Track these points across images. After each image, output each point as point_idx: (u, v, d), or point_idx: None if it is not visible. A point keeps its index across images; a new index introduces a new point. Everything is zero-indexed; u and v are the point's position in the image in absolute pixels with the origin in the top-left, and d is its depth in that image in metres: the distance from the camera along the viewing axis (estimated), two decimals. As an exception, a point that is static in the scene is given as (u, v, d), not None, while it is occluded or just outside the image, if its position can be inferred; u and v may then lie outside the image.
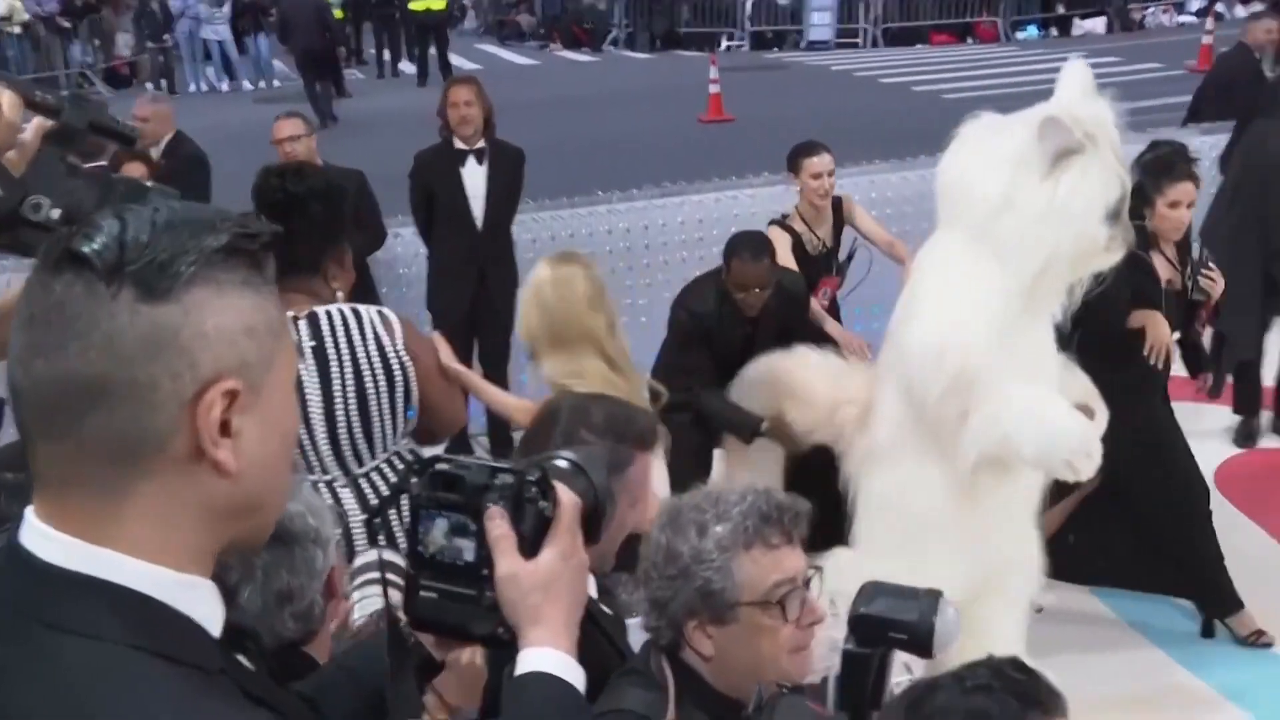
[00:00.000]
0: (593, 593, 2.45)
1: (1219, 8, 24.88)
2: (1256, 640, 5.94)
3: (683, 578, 2.39)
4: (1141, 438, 5.66)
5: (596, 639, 2.28)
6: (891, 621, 2.29)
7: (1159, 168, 5.70)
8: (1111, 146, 4.81)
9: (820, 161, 6.75)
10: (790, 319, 6.05)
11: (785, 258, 6.54)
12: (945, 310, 4.83)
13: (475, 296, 7.46)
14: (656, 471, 3.39)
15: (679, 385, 5.38)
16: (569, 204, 8.78)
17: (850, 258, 7.23)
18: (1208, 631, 6.08)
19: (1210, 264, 5.89)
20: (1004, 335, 4.76)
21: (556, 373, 4.37)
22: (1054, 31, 26.82)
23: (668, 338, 6.10)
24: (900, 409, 4.96)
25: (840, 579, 2.61)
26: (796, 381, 5.46)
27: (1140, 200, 5.41)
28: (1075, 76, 5.12)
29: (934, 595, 2.34)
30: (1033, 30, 26.73)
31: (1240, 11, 23.19)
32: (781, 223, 6.94)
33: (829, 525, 4.65)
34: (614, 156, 14.92)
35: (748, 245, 5.92)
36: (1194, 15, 26.31)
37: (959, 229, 4.93)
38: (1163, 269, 5.69)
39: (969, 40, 26.12)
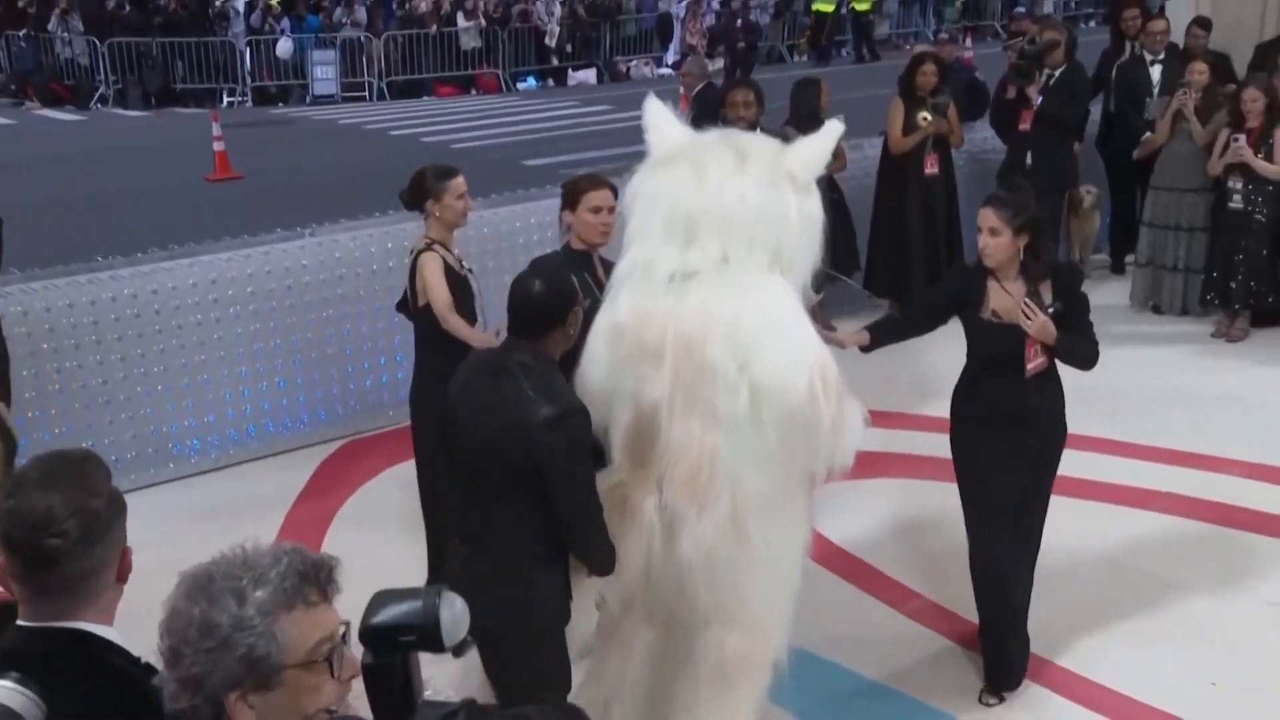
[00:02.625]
0: None
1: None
2: None
3: (223, 649, 2.23)
4: None
5: None
6: (399, 626, 2.24)
7: None
8: None
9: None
10: None
11: (437, 279, 6.28)
12: (801, 335, 4.79)
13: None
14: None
15: None
16: (65, 271, 8.12)
17: None
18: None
19: None
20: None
21: None
22: (551, 82, 27.25)
23: None
24: (767, 453, 4.71)
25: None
26: None
27: None
28: (661, 110, 5.34)
29: (436, 590, 2.28)
30: (532, 81, 27.10)
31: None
32: (429, 247, 6.43)
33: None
34: (114, 219, 14.11)
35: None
36: (671, 67, 27.19)
37: (750, 252, 4.84)
38: None
39: (473, 92, 26.20)
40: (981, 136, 11.54)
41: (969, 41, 25.92)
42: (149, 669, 2.58)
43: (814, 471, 4.90)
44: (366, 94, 25.71)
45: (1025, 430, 5.70)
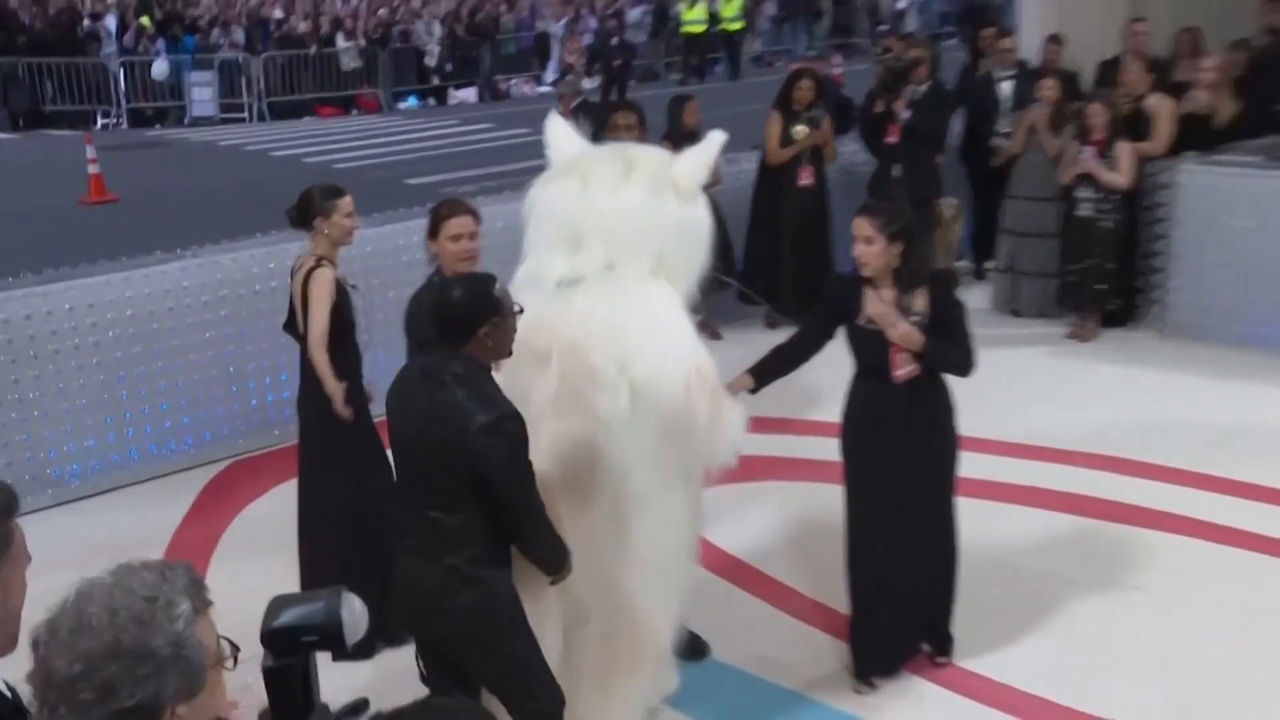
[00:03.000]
0: None
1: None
2: None
3: (166, 668, 2.17)
4: None
5: None
6: (300, 628, 2.24)
7: None
8: None
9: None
10: None
11: (322, 306, 6.22)
12: (680, 336, 4.97)
13: None
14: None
15: None
16: (-70, 299, 7.96)
17: None
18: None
19: None
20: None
21: None
22: (431, 101, 27.17)
23: None
24: (646, 451, 4.83)
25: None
26: None
27: None
28: (563, 127, 5.56)
29: (335, 592, 2.30)
30: (413, 101, 27.00)
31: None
32: (319, 264, 6.37)
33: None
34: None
35: None
36: (550, 85, 27.24)
37: (634, 257, 5.03)
38: None
39: (354, 112, 26.06)
40: (850, 149, 11.75)
41: (838, 59, 26.28)
42: (18, 708, 2.50)
43: (695, 469, 5.03)
44: (246, 115, 25.47)
45: (900, 435, 5.73)
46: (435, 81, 27.45)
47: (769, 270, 10.87)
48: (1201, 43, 11.73)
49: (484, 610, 4.54)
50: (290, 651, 2.23)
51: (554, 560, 4.67)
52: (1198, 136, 10.68)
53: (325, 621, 2.24)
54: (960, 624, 6.14)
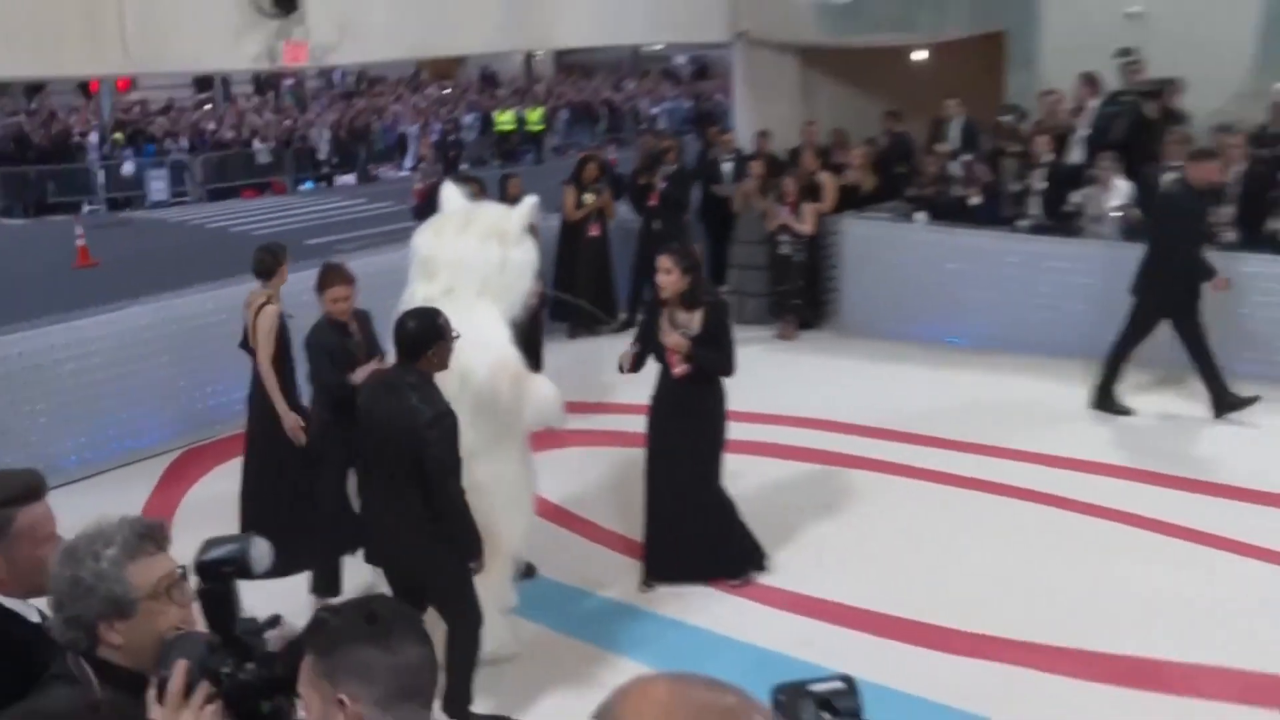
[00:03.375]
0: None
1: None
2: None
3: (89, 594, 2.17)
4: None
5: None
6: (221, 560, 2.12)
7: None
8: None
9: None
10: None
11: (269, 334, 6.24)
12: (491, 338, 4.99)
13: None
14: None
15: None
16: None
17: None
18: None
19: None
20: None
21: None
22: (324, 185, 26.47)
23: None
24: (469, 418, 4.73)
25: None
26: None
27: None
28: (453, 191, 5.56)
29: (248, 535, 2.21)
30: (310, 184, 26.29)
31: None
32: (269, 301, 6.44)
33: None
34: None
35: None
36: (408, 170, 26.81)
37: (465, 286, 5.07)
38: None
39: (268, 193, 25.29)
40: (623, 211, 11.76)
41: (612, 148, 26.42)
42: (40, 631, 2.49)
43: (511, 430, 5.05)
44: (190, 198, 24.54)
45: (682, 414, 5.82)
46: (326, 170, 26.81)
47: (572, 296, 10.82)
48: (848, 138, 12.16)
49: (434, 570, 4.60)
50: (214, 579, 2.12)
51: (467, 545, 4.61)
52: (853, 200, 11.02)
53: (238, 556, 2.14)
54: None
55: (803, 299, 10.66)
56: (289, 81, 33.77)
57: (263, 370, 6.22)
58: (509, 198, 9.95)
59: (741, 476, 6.47)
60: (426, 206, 9.37)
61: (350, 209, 21.96)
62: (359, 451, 4.86)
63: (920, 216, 10.36)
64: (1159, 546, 6.34)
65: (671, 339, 5.68)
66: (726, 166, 11.78)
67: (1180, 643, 5.35)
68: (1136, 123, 9.99)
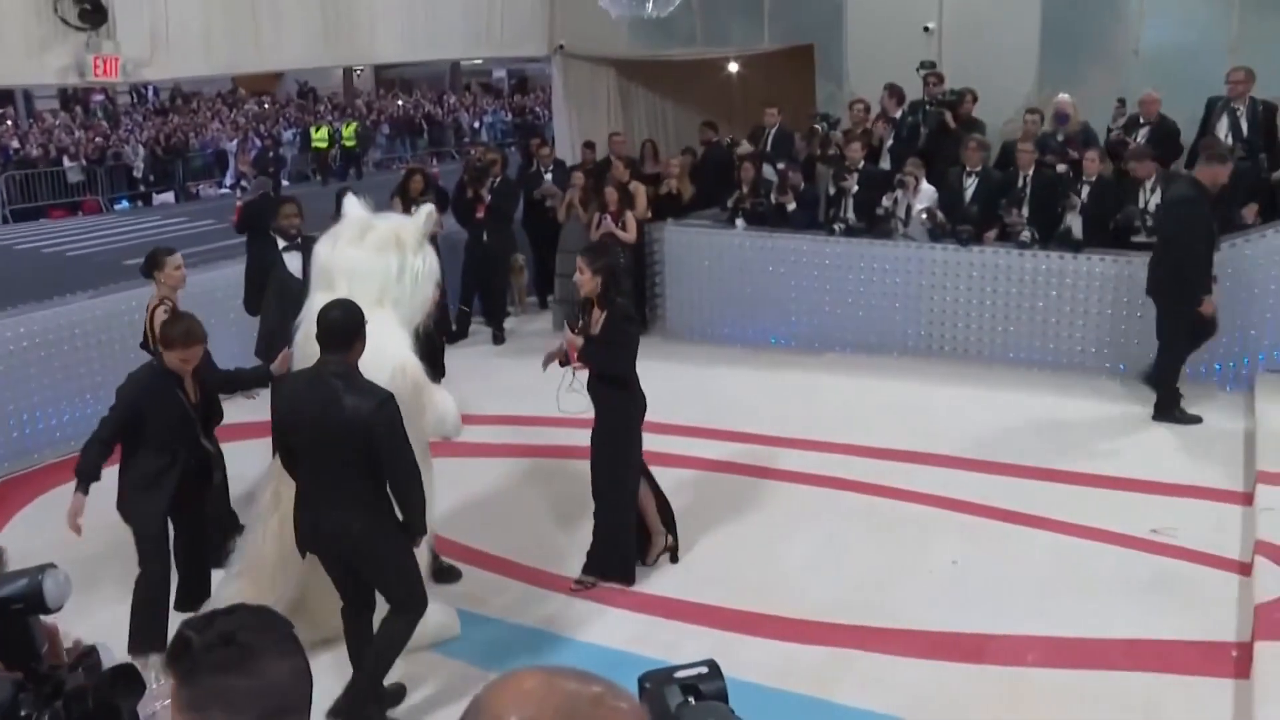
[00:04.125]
0: None
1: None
2: None
3: None
4: None
5: None
6: (9, 598, 1.99)
7: None
8: None
9: (175, 258, 6.47)
10: None
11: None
12: (390, 345, 4.97)
13: None
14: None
15: None
16: None
17: None
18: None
19: None
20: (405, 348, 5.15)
21: None
22: (140, 203, 25.38)
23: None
24: None
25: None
26: None
27: None
28: (353, 201, 5.55)
29: (41, 567, 2.08)
30: (125, 203, 25.17)
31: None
32: (161, 303, 6.42)
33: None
34: None
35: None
36: (228, 187, 26.05)
37: (363, 293, 4.94)
38: None
39: (79, 214, 24.10)
40: (451, 224, 11.64)
41: (434, 162, 26.18)
42: None
43: (413, 434, 4.84)
44: (-9, 219, 23.19)
45: (598, 409, 5.88)
46: (142, 188, 25.71)
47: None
48: (658, 149, 12.43)
49: (377, 542, 4.57)
50: (6, 616, 2.00)
51: (418, 522, 4.62)
52: (672, 209, 11.15)
53: (29, 591, 2.02)
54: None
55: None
56: (98, 97, 32.32)
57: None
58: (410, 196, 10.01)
59: (560, 477, 6.44)
60: (247, 223, 9.15)
61: (170, 227, 21.15)
62: (285, 448, 4.74)
63: (739, 223, 10.59)
64: (971, 526, 6.64)
65: (568, 335, 5.75)
66: (547, 178, 11.77)
67: (993, 616, 5.62)
68: (937, 130, 10.47)
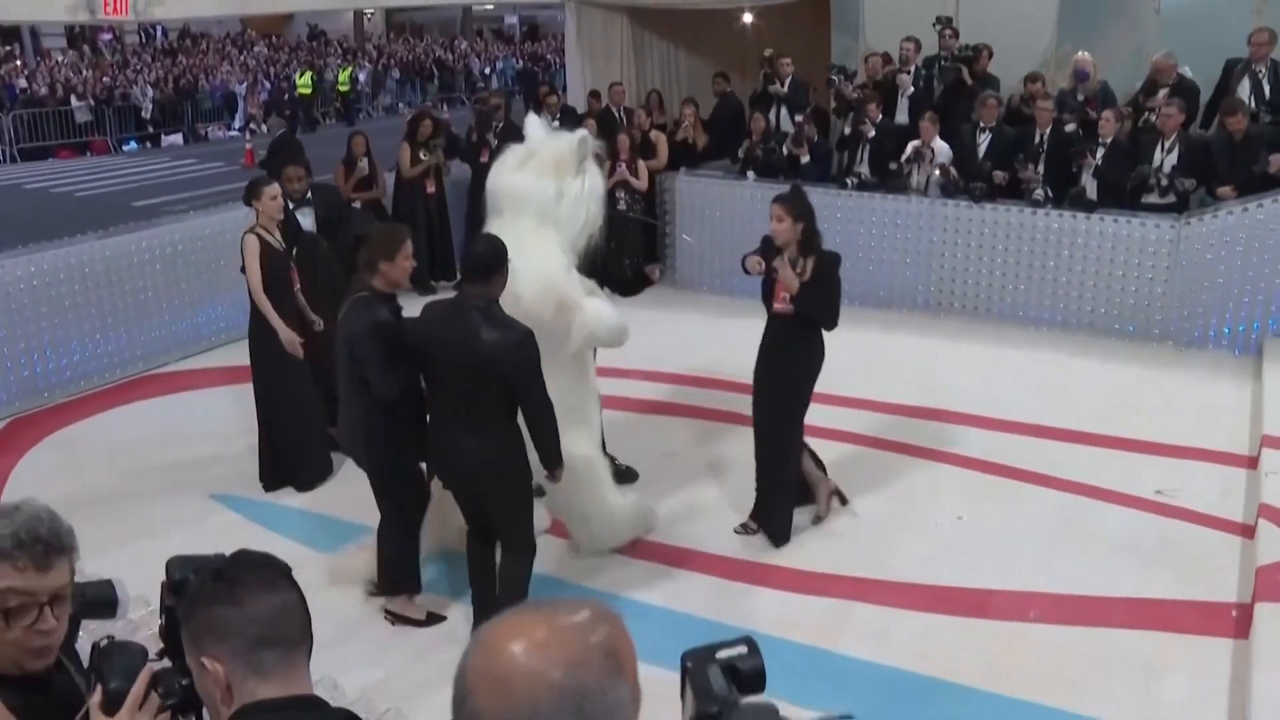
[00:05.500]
0: None
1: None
2: None
3: None
4: None
5: None
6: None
7: None
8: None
9: (272, 188, 6.48)
10: None
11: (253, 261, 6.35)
12: (540, 264, 5.09)
13: None
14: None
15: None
16: None
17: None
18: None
19: None
20: (568, 272, 5.29)
21: None
22: (149, 145, 25.30)
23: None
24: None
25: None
26: None
27: None
28: (535, 122, 5.70)
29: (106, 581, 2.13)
30: (134, 144, 25.06)
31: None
32: (252, 230, 6.45)
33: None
34: None
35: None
36: (237, 130, 25.94)
37: (525, 217, 5.20)
38: None
39: (88, 154, 24.00)
40: (458, 168, 11.61)
41: (445, 107, 26.02)
42: None
43: (561, 351, 5.15)
44: (1, 158, 23.13)
45: (778, 354, 5.77)
46: (150, 129, 25.60)
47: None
48: (664, 100, 12.33)
49: (504, 463, 4.68)
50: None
51: (553, 454, 4.77)
52: (685, 158, 11.09)
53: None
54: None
55: (640, 254, 10.71)
56: (106, 36, 32.15)
57: (254, 296, 6.37)
58: (353, 157, 9.92)
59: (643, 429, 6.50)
60: (267, 165, 9.13)
61: (180, 169, 21.12)
62: (427, 376, 4.82)
63: (750, 174, 10.53)
64: (977, 483, 6.67)
65: (785, 272, 5.56)
66: (554, 126, 11.68)
67: (996, 572, 5.65)
68: (952, 87, 10.38)
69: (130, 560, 5.14)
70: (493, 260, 4.61)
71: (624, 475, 6.39)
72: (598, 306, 5.41)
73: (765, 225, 6.08)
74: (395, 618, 5.29)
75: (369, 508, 5.28)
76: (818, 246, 5.63)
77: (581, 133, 5.58)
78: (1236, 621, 5.16)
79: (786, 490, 5.99)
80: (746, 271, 5.69)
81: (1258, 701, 4.32)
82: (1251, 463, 6.75)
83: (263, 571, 1.84)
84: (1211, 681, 4.73)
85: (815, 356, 5.79)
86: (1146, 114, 9.44)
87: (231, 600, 1.77)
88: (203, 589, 1.80)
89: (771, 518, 5.99)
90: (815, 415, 7.51)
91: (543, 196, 5.29)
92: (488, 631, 1.32)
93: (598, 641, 1.30)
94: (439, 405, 4.81)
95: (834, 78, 11.33)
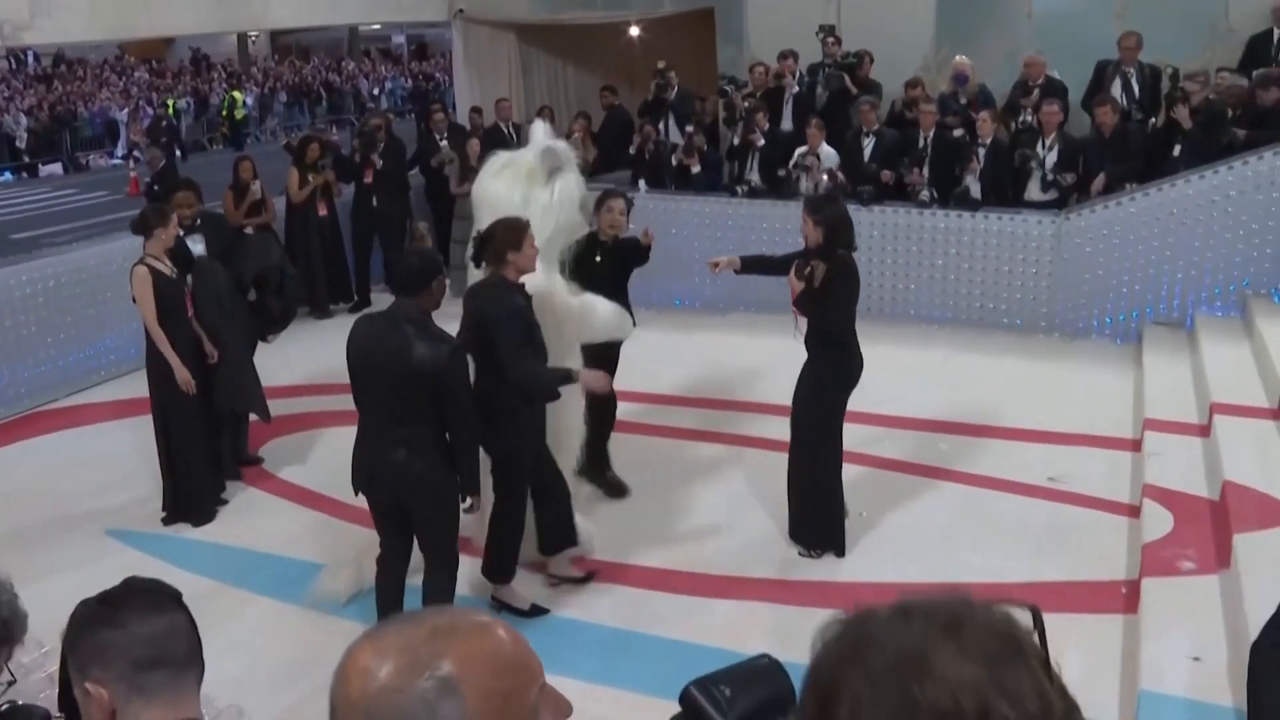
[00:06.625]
0: None
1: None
2: None
3: None
4: None
5: None
6: None
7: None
8: (574, 167, 5.62)
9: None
10: None
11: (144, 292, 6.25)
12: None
13: None
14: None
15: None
16: None
17: None
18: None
19: None
20: (549, 276, 5.39)
21: None
22: (25, 175, 24.48)
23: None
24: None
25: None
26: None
27: None
28: (540, 128, 5.81)
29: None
30: (9, 175, 24.24)
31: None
32: (142, 262, 6.36)
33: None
34: None
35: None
36: (120, 158, 25.31)
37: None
38: None
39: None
40: (349, 190, 11.42)
41: (334, 129, 25.74)
42: None
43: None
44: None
45: (804, 366, 5.84)
46: (26, 159, 24.78)
47: (303, 274, 10.47)
48: (554, 114, 12.24)
49: (429, 479, 4.66)
50: None
51: (473, 477, 4.76)
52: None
53: None
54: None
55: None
56: (-26, 64, 31.09)
57: (149, 329, 6.27)
58: (242, 182, 9.76)
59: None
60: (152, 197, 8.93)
61: (61, 200, 20.51)
62: (356, 388, 4.80)
63: (641, 185, 10.60)
64: (876, 479, 6.79)
65: (791, 276, 5.70)
66: (443, 145, 11.64)
67: (901, 565, 5.79)
68: (837, 94, 10.60)
69: (25, 601, 5.03)
70: (424, 272, 4.59)
71: (616, 489, 6.60)
72: (586, 301, 5.64)
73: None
74: (520, 601, 5.44)
75: (272, 538, 5.20)
76: (833, 253, 5.63)
77: (547, 142, 5.66)
78: (1126, 598, 5.37)
79: (833, 500, 5.96)
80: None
81: (1147, 669, 4.51)
82: (1135, 445, 7.02)
83: (149, 595, 1.81)
84: (1104, 656, 4.90)
85: (841, 370, 5.75)
86: (1023, 113, 9.77)
87: (115, 623, 1.74)
88: (87, 614, 1.77)
89: (820, 532, 5.97)
90: (716, 419, 7.61)
91: (510, 205, 5.36)
92: (344, 654, 1.25)
93: (426, 659, 1.18)
94: (368, 416, 4.79)
95: (726, 88, 11.48)
